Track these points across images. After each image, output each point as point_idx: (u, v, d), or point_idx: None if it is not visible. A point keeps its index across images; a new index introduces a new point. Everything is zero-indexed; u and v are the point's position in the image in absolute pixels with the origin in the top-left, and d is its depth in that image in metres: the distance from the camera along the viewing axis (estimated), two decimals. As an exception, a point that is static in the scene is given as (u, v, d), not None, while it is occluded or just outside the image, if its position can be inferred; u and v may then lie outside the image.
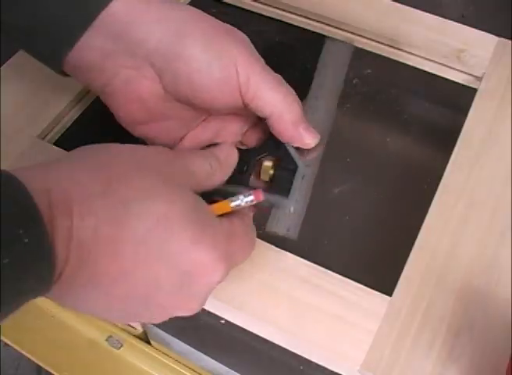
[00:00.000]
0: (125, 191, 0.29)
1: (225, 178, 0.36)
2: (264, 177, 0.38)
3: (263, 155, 0.39)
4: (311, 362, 0.38)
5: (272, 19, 0.55)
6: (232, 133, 0.41)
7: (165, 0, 0.37)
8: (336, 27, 0.53)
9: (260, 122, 0.40)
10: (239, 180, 0.38)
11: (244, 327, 0.39)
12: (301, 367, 0.38)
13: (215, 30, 0.36)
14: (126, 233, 0.28)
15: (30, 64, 0.49)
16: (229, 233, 0.32)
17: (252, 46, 0.38)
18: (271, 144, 0.39)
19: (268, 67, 0.37)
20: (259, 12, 0.56)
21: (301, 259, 0.39)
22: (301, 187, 0.38)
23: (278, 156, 0.39)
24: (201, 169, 0.34)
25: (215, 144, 0.39)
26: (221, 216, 0.33)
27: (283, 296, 0.38)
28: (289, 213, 0.37)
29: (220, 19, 0.38)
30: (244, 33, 0.38)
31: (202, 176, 0.34)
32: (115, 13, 0.35)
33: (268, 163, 0.39)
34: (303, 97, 0.51)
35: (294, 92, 0.37)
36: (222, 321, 0.39)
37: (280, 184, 0.38)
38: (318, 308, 0.37)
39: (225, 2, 0.57)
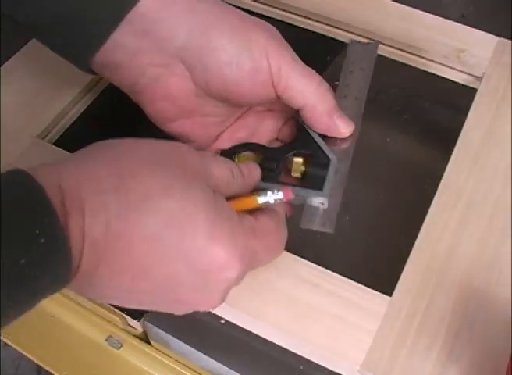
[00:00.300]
0: (137, 187, 0.28)
1: (246, 191, 0.35)
2: (296, 174, 0.37)
3: (292, 152, 0.39)
4: (311, 362, 0.38)
5: (272, 19, 0.55)
6: (268, 130, 0.40)
7: None
8: (336, 27, 0.53)
9: (293, 117, 0.40)
10: (269, 178, 0.37)
11: (244, 327, 0.39)
12: (301, 367, 0.38)
13: (243, 22, 0.36)
14: (138, 229, 0.28)
15: (31, 64, 0.49)
16: (252, 229, 0.32)
17: (281, 37, 0.37)
18: (300, 140, 0.38)
19: (298, 58, 0.37)
20: (259, 12, 0.56)
21: (301, 259, 0.39)
22: (335, 180, 0.37)
23: (307, 153, 0.38)
24: (222, 173, 0.33)
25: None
26: (248, 211, 0.33)
27: (283, 296, 0.38)
28: (324, 208, 0.37)
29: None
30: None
31: (222, 181, 0.33)
32: (142, 11, 0.35)
33: (298, 159, 0.38)
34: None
35: (326, 82, 0.37)
36: (222, 321, 0.39)
37: (313, 179, 0.37)
38: (318, 308, 0.37)
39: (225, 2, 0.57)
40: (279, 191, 0.33)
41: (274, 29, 0.37)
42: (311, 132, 0.38)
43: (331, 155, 0.37)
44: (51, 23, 0.36)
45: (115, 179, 0.28)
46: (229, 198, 0.32)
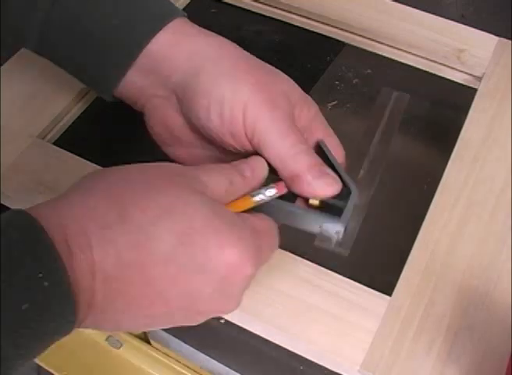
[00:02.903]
0: (140, 214, 0.28)
1: (252, 190, 0.34)
2: (314, 202, 0.35)
3: None
4: (311, 362, 0.38)
5: (272, 19, 0.55)
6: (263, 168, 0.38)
7: (199, 33, 0.38)
8: (336, 27, 0.53)
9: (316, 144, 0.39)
10: (286, 199, 0.36)
11: (244, 327, 0.39)
12: (301, 367, 0.38)
13: (236, 68, 0.36)
14: (150, 255, 0.28)
15: (30, 64, 0.49)
16: (255, 229, 0.32)
17: (276, 88, 0.36)
18: None
19: (281, 114, 0.35)
20: (259, 12, 0.56)
21: (301, 259, 0.39)
22: (355, 211, 0.35)
23: None
24: (219, 185, 0.32)
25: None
26: (245, 212, 0.33)
27: (283, 296, 0.38)
28: (339, 237, 0.35)
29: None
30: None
31: (219, 192, 0.32)
32: (149, 53, 0.37)
33: None
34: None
35: (305, 141, 0.36)
36: (222, 321, 0.39)
37: (331, 208, 0.35)
38: (318, 308, 0.37)
39: (225, 2, 0.57)
40: (272, 187, 0.33)
41: (269, 79, 0.37)
42: (332, 160, 0.36)
43: (352, 187, 0.35)
44: (75, 69, 0.41)
45: (116, 210, 0.28)
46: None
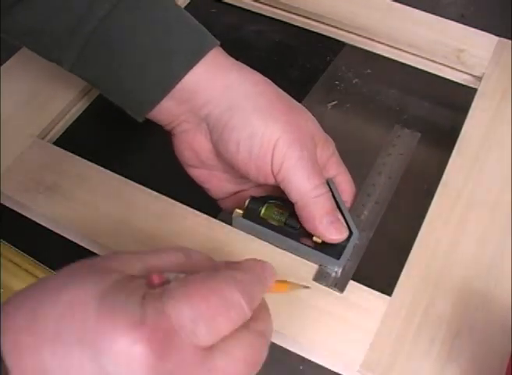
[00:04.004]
0: (40, 296, 0.25)
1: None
2: (317, 239, 0.38)
3: None
4: (311, 362, 0.38)
5: (272, 19, 0.55)
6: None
7: (233, 65, 0.39)
8: (336, 27, 0.53)
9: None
10: (291, 235, 0.38)
11: (244, 327, 0.39)
12: (301, 367, 0.38)
13: (269, 107, 0.37)
14: (40, 335, 0.24)
15: (30, 64, 0.49)
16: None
17: (305, 128, 0.38)
18: None
19: (308, 154, 0.37)
20: (259, 12, 0.56)
21: (301, 259, 0.39)
22: (353, 251, 0.38)
23: None
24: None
25: None
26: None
27: (284, 296, 0.38)
28: (337, 276, 0.38)
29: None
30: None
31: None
32: (184, 84, 0.38)
33: None
34: (303, 95, 0.51)
35: (327, 185, 0.38)
36: (222, 321, 0.39)
37: (332, 247, 0.38)
38: (318, 308, 0.37)
39: (225, 2, 0.57)
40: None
41: (301, 120, 0.38)
42: (338, 201, 0.38)
43: (354, 230, 0.38)
44: (108, 90, 0.41)
45: (28, 310, 0.25)
46: None
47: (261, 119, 0.37)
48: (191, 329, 0.24)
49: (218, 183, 0.42)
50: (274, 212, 0.39)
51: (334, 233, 0.37)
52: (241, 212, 0.39)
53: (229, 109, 0.38)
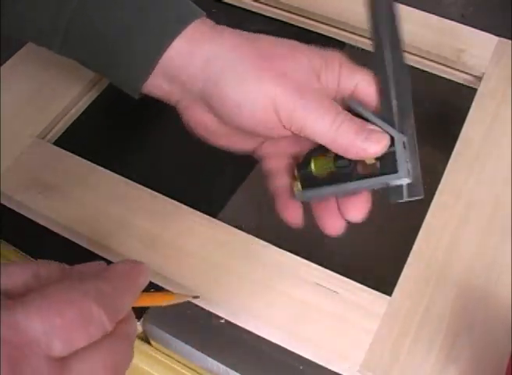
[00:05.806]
0: None
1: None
2: (370, 161, 0.36)
3: None
4: (311, 362, 0.38)
5: (272, 19, 0.55)
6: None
7: (213, 37, 0.37)
8: (336, 27, 0.53)
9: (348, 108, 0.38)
10: (345, 175, 0.36)
11: (244, 327, 0.39)
12: (301, 367, 0.38)
13: (256, 66, 0.36)
14: None
15: (30, 64, 0.49)
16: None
17: (296, 70, 0.36)
18: None
19: (311, 94, 0.35)
20: (259, 12, 0.56)
21: (301, 259, 0.39)
22: (407, 150, 0.35)
23: None
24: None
25: None
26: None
27: (283, 296, 0.38)
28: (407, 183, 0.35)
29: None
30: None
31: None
32: (167, 60, 0.37)
33: None
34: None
35: (341, 110, 0.36)
36: (222, 321, 0.39)
37: (386, 159, 0.35)
38: (318, 308, 0.37)
39: (225, 2, 0.57)
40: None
41: (286, 63, 0.36)
42: (366, 115, 0.36)
43: (393, 133, 0.36)
44: (99, 70, 0.41)
45: None
46: None
47: (250, 85, 0.36)
48: (45, 342, 0.24)
49: (240, 144, 0.41)
50: (320, 163, 0.38)
51: (374, 145, 0.35)
52: (299, 185, 0.38)
53: (216, 84, 0.36)
